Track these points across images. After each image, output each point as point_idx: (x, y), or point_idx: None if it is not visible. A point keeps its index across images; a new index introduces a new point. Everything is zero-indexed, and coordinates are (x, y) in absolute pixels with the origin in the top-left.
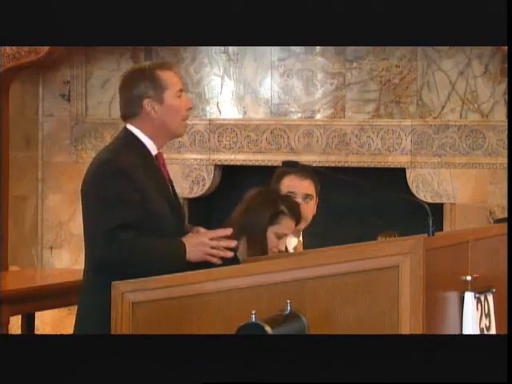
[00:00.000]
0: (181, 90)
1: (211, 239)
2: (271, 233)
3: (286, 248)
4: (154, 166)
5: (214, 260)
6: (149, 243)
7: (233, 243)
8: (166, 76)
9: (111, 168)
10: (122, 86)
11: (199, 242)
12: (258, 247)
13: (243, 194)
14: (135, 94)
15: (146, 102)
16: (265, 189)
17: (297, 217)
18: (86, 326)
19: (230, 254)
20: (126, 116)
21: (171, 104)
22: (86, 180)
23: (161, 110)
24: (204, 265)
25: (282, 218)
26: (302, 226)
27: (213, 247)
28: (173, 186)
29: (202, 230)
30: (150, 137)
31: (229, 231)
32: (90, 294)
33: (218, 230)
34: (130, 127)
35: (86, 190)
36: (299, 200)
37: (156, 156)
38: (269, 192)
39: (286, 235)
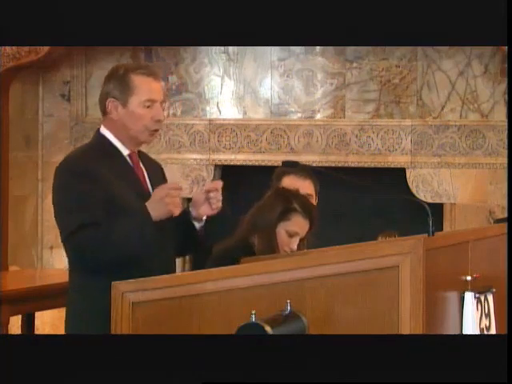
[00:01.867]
0: (152, 101)
1: (168, 190)
2: (282, 229)
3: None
4: (124, 166)
5: (173, 208)
6: (111, 227)
7: (178, 185)
8: (139, 82)
9: (66, 171)
10: (103, 80)
11: (158, 198)
12: (267, 243)
13: (243, 194)
14: (104, 90)
15: (109, 101)
16: (281, 188)
17: (310, 217)
18: (76, 326)
19: (178, 202)
20: (101, 112)
21: (134, 111)
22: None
23: (123, 112)
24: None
25: (294, 215)
26: None
27: (168, 195)
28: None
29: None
30: (118, 138)
31: (177, 184)
32: (75, 294)
33: (170, 184)
34: (102, 129)
35: (52, 192)
36: None
37: (130, 155)
38: (284, 190)
39: (297, 234)
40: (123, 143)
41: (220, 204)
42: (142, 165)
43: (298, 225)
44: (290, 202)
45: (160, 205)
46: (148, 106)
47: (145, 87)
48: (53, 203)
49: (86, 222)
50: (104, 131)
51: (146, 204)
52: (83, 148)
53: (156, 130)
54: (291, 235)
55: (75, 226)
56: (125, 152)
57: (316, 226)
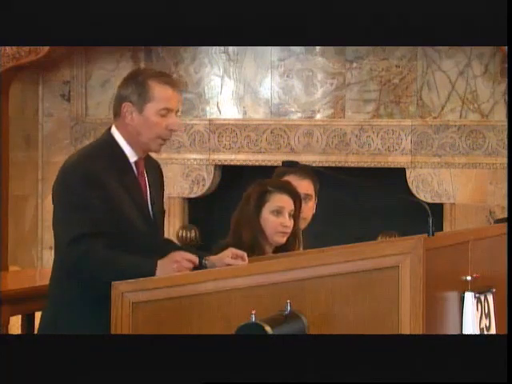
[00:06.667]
0: (168, 110)
1: (184, 260)
2: (267, 214)
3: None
4: (129, 173)
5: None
6: (116, 258)
7: (195, 259)
8: (158, 89)
9: (74, 173)
10: (120, 82)
11: (172, 261)
12: (252, 235)
13: (243, 194)
14: (121, 93)
15: (124, 104)
16: (250, 189)
17: (289, 191)
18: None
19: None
20: (113, 113)
21: (149, 118)
22: (54, 183)
23: (137, 118)
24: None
25: (270, 195)
26: (302, 226)
27: (181, 265)
28: (158, 194)
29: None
30: (128, 142)
31: (195, 258)
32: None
33: (188, 255)
34: (113, 129)
35: (52, 194)
36: None
37: (136, 163)
38: (252, 187)
39: (283, 208)
40: (133, 149)
41: None
42: (145, 172)
43: (278, 201)
44: (262, 187)
45: (170, 267)
46: (163, 115)
47: (162, 95)
48: (53, 203)
49: (86, 230)
50: (115, 132)
51: (159, 262)
52: (89, 150)
53: (166, 140)
54: (278, 212)
55: (74, 234)
56: (132, 158)
57: (299, 198)
